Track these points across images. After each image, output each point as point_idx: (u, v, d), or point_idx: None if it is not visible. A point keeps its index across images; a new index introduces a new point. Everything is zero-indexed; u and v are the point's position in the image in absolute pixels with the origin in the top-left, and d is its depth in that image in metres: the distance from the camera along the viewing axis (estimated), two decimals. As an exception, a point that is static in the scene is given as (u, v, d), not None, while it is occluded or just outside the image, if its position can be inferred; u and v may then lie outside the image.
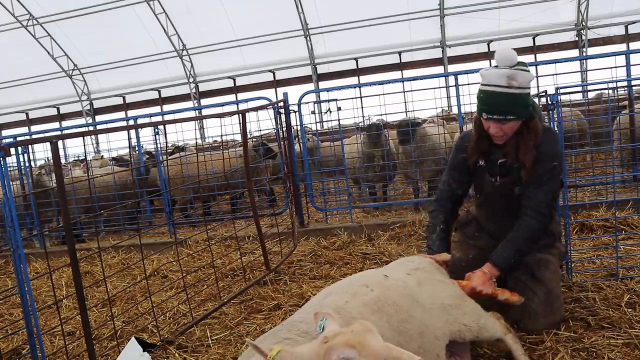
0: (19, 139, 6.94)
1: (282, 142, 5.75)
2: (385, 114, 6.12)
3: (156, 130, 6.45)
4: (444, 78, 6.98)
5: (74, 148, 16.76)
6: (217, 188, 6.86)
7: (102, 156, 10.62)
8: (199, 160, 5.96)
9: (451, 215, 3.05)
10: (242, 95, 20.75)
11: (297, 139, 6.15)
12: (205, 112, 14.64)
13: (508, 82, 2.48)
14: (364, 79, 20.14)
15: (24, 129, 23.47)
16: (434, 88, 6.15)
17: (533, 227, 2.68)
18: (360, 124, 6.92)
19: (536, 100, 5.25)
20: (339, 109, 6.56)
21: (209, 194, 6.97)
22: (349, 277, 2.44)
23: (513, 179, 2.78)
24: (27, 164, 6.73)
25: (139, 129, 7.03)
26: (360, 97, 6.05)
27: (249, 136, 5.47)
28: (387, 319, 2.01)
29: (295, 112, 5.95)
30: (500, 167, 2.80)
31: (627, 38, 18.38)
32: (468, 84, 5.81)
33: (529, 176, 2.67)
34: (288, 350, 1.49)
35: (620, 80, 5.34)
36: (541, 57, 18.87)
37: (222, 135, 5.90)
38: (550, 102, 3.34)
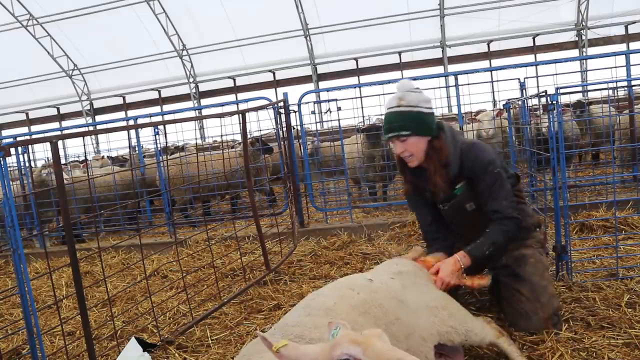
0: (19, 139, 6.94)
1: (282, 142, 5.75)
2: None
3: (156, 130, 6.46)
4: (444, 78, 6.99)
5: (74, 148, 16.86)
6: (217, 188, 6.87)
7: (102, 156, 10.60)
8: (199, 160, 5.96)
9: (444, 242, 3.07)
10: (242, 95, 20.74)
11: (298, 140, 6.15)
12: (205, 112, 14.68)
13: (397, 102, 2.76)
14: (364, 79, 20.13)
15: (24, 129, 23.47)
16: (434, 88, 6.19)
17: (507, 226, 2.75)
18: (359, 125, 6.91)
19: (535, 100, 5.28)
20: (339, 109, 6.56)
21: (209, 194, 6.96)
22: (334, 282, 2.44)
23: (459, 198, 2.87)
24: (27, 164, 6.73)
25: (139, 129, 7.04)
26: (360, 97, 6.04)
27: (249, 136, 5.47)
28: (375, 321, 2.00)
29: (295, 112, 5.95)
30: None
31: (627, 38, 18.37)
32: (468, 84, 5.83)
33: (444, 195, 2.85)
34: (295, 345, 1.50)
35: (620, 80, 5.33)
36: (541, 57, 18.88)
37: (222, 135, 5.90)
38: (550, 102, 3.33)
